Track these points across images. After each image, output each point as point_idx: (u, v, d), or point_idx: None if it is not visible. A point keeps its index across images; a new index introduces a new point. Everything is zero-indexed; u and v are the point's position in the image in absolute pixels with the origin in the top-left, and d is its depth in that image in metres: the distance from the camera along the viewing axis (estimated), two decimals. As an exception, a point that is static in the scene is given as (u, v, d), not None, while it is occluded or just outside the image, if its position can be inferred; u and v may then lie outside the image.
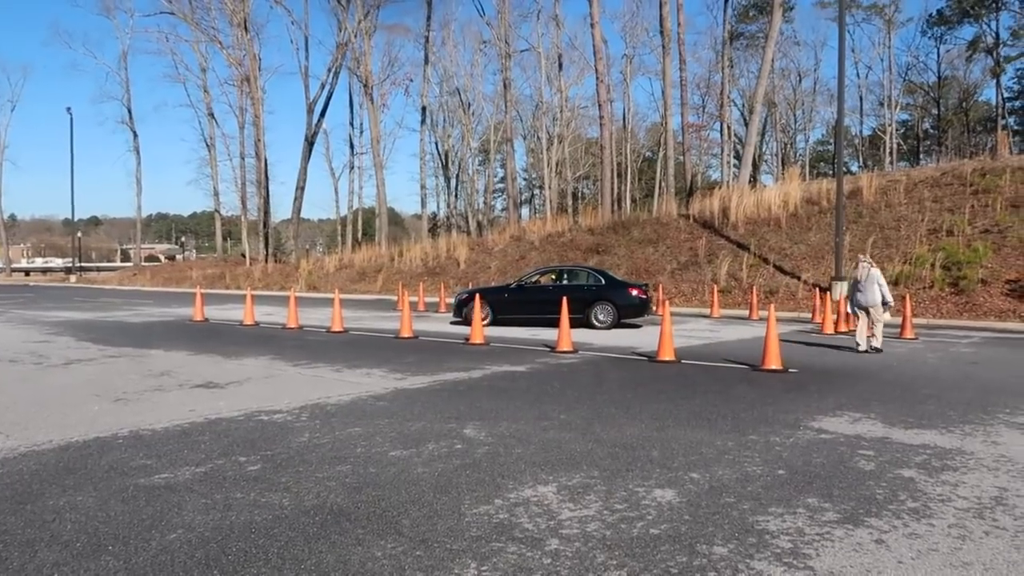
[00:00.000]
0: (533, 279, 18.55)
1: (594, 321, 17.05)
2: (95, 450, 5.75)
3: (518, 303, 17.65)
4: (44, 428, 6.46)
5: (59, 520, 4.20)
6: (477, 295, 15.47)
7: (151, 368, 10.31)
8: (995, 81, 58.40)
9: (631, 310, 17.25)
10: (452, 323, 18.13)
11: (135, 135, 60.46)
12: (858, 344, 12.97)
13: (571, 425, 6.76)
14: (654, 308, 18.51)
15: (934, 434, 6.53)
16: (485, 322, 17.52)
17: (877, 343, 12.94)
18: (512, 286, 18.47)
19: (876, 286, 12.90)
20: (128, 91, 59.89)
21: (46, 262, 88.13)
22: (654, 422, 6.90)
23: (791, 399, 8.24)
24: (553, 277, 18.63)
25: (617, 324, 17.09)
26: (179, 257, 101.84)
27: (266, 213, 49.55)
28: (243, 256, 54.38)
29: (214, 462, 5.41)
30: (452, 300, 20.16)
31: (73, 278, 57.52)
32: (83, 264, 71.62)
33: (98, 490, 4.74)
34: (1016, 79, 61.14)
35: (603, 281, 17.77)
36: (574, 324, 16.35)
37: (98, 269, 77.89)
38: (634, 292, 17.41)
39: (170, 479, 4.99)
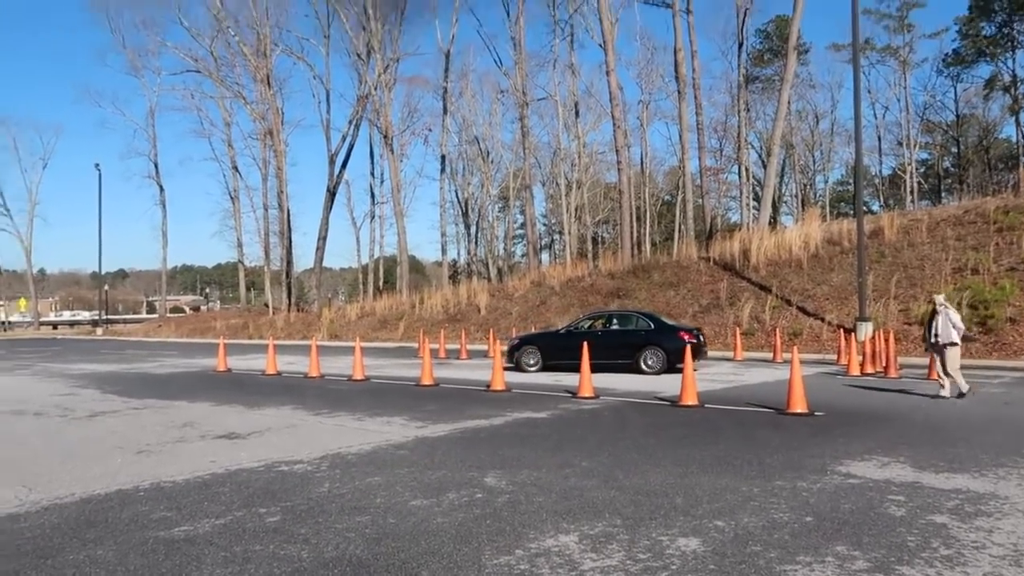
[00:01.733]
0: (584, 325, 18.35)
1: (643, 366, 16.64)
2: (116, 503, 5.75)
3: (567, 349, 17.19)
4: (67, 481, 6.49)
5: (79, 575, 4.18)
6: (504, 344, 15.44)
7: (174, 419, 10.35)
8: (1014, 118, 58.24)
9: (682, 355, 16.70)
10: (506, 368, 17.18)
11: (161, 189, 61.78)
12: (947, 390, 12.08)
13: (593, 472, 6.67)
14: (707, 352, 18.07)
15: (966, 478, 6.37)
16: (535, 368, 17.63)
17: (964, 387, 12.10)
18: (561, 332, 18.40)
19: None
20: (155, 146, 61.38)
21: (74, 315, 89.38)
22: (677, 468, 6.80)
23: (818, 443, 8.09)
24: (603, 322, 18.32)
25: (668, 370, 16.38)
26: (203, 308, 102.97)
27: (289, 263, 50.13)
28: (266, 306, 54.85)
29: (234, 514, 5.39)
30: (504, 348, 19.97)
31: (100, 331, 58.25)
32: (110, 316, 72.54)
33: (118, 544, 4.73)
34: (1035, 116, 60.86)
35: (652, 325, 17.42)
36: (623, 370, 16.03)
37: (124, 321, 78.83)
38: (684, 336, 16.77)
39: (190, 531, 4.97)
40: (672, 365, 16.57)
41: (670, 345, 16.72)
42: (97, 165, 56.07)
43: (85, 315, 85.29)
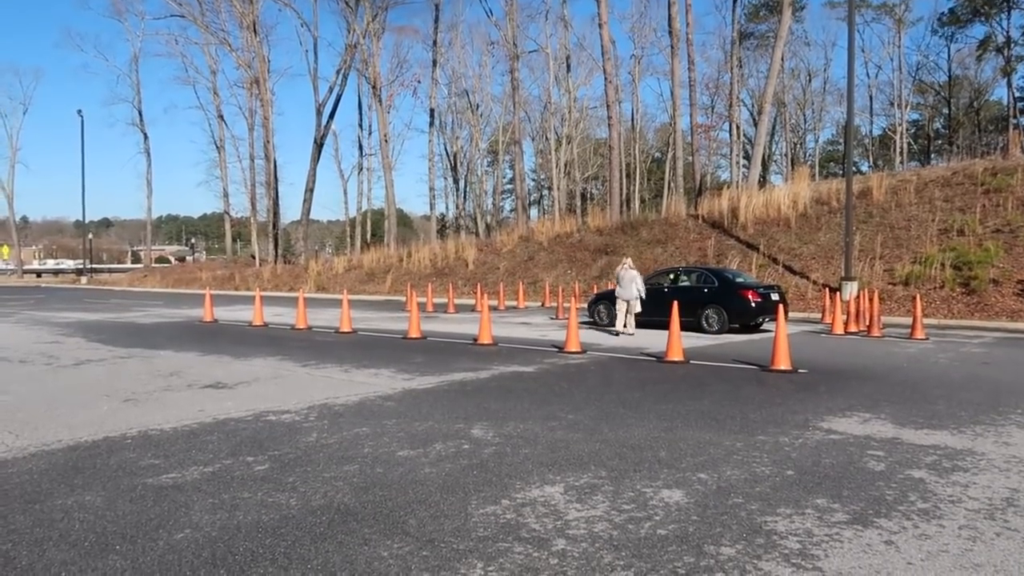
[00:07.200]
0: (652, 281, 17.98)
1: (704, 325, 16.20)
2: (104, 450, 5.77)
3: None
4: (54, 428, 6.49)
5: (67, 519, 4.21)
6: (490, 299, 15.39)
7: (160, 369, 10.35)
8: (1006, 80, 58.09)
9: (743, 315, 16.18)
10: (582, 324, 17.40)
11: (145, 137, 60.81)
12: (625, 328, 15.70)
13: (578, 425, 6.74)
14: (784, 310, 15.97)
15: (945, 434, 6.48)
16: (606, 322, 17.69)
17: (632, 330, 15.75)
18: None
19: (634, 284, 15.60)
20: (139, 93, 60.31)
21: (57, 263, 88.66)
22: (662, 422, 6.88)
23: (800, 399, 8.20)
24: (671, 278, 17.97)
25: (731, 329, 16.07)
26: (189, 259, 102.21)
27: (275, 214, 49.71)
28: (252, 257, 54.59)
29: (222, 462, 5.42)
30: (585, 304, 20.18)
31: (84, 279, 57.84)
32: (94, 266, 72.03)
33: (106, 489, 4.76)
34: (1027, 78, 60.74)
35: (716, 283, 16.78)
36: (685, 328, 14.37)
37: (109, 271, 78.29)
38: (748, 295, 16.14)
39: (178, 479, 5.00)
40: (733, 325, 16.15)
41: (732, 305, 16.15)
42: (79, 111, 54.77)
43: (69, 264, 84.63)
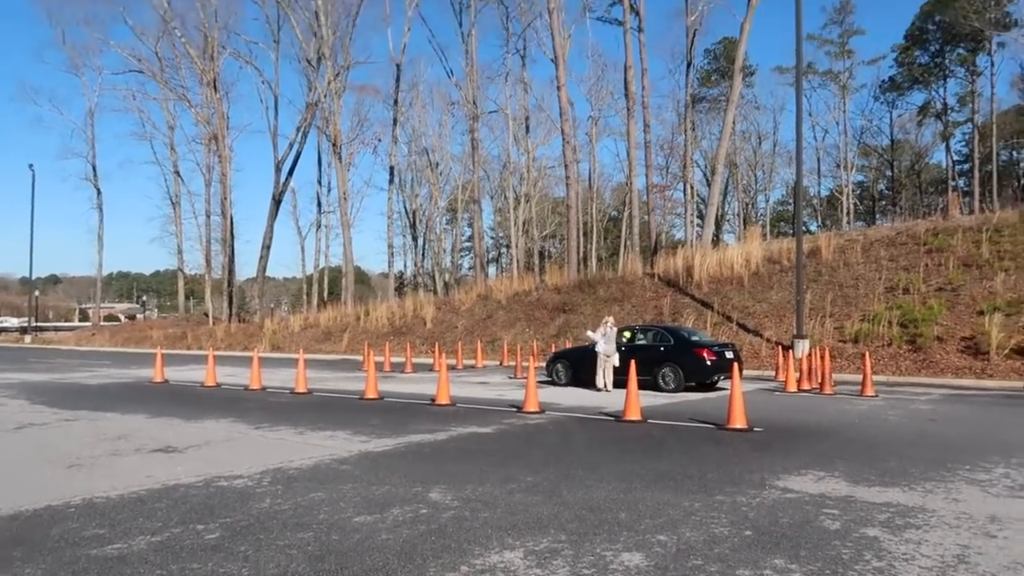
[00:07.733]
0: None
1: (660, 384, 16.27)
2: (46, 519, 5.55)
3: (593, 364, 16.92)
4: (-7, 497, 6.23)
5: (5, 595, 4.03)
6: (449, 358, 15.31)
7: (107, 432, 10.04)
8: (944, 145, 60.83)
9: (698, 374, 16.31)
10: (540, 383, 16.55)
11: (99, 192, 59.81)
12: (605, 386, 16.31)
13: (538, 488, 6.70)
14: (739, 368, 14.26)
15: (897, 492, 6.58)
16: (564, 382, 17.94)
17: (611, 387, 16.27)
18: (589, 348, 17.79)
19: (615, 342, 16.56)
20: (93, 148, 59.34)
21: (1, 322, 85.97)
22: (621, 484, 6.87)
23: (757, 458, 8.27)
24: (628, 337, 17.83)
25: (687, 388, 16.19)
26: (140, 316, 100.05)
27: (231, 272, 49.16)
28: (206, 315, 53.60)
29: (171, 531, 5.26)
30: (543, 363, 20.23)
31: (28, 338, 56.12)
32: (39, 324, 70.05)
33: (47, 562, 4.57)
34: (964, 143, 63.71)
35: (672, 341, 16.94)
36: (642, 386, 13.70)
37: (56, 329, 76.10)
38: (703, 354, 16.32)
39: (124, 549, 4.82)
40: (688, 383, 16.24)
41: (687, 362, 16.26)
42: (31, 165, 54.02)
43: (13, 322, 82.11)
